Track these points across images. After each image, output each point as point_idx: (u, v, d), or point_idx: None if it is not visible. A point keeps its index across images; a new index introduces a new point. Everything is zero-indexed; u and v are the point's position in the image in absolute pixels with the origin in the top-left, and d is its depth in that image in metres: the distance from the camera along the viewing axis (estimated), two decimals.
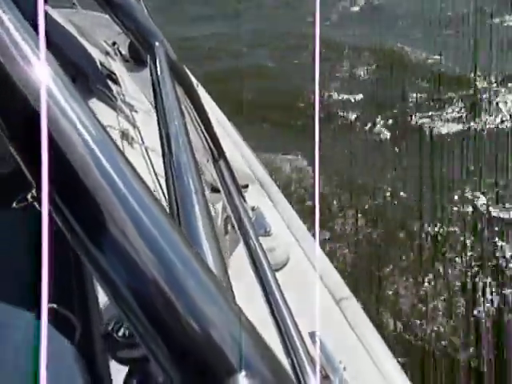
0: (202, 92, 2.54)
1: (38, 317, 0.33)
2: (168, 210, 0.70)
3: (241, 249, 1.39)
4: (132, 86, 2.57)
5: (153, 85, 1.09)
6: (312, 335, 1.12)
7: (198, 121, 1.46)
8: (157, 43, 1.22)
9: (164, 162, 0.85)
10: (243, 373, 0.40)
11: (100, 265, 0.40)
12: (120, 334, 0.96)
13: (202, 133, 1.51)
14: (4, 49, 0.40)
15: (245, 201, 1.63)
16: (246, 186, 1.95)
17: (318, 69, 0.61)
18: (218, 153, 1.56)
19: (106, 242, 0.40)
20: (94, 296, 1.43)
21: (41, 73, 0.41)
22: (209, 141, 1.53)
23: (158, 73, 1.12)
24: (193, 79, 2.80)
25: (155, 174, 1.72)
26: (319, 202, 0.66)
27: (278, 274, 1.33)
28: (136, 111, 2.29)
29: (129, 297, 0.40)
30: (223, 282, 0.57)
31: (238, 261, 1.47)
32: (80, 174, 0.40)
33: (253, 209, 1.77)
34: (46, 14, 0.43)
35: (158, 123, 0.96)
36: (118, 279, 0.40)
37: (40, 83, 0.40)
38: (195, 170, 0.80)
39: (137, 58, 2.74)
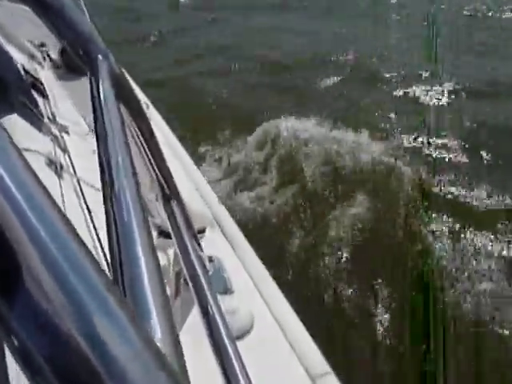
0: (154, 115, 2.20)
1: None
2: (104, 259, 0.66)
3: (196, 311, 1.14)
4: (64, 101, 2.16)
5: (93, 106, 0.94)
6: None
7: (147, 150, 1.19)
8: (100, 56, 1.04)
9: (104, 199, 0.73)
10: None
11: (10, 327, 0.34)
12: None
13: (151, 165, 1.23)
14: None
15: (201, 249, 1.34)
16: (203, 231, 1.63)
17: None
18: (169, 189, 1.28)
19: (19, 305, 0.34)
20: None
21: None
22: (158, 174, 1.25)
23: (100, 92, 0.96)
24: (143, 99, 2.43)
25: (89, 212, 1.41)
26: None
27: (240, 343, 1.12)
28: (67, 133, 1.91)
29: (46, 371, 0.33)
30: (176, 363, 0.48)
31: (193, 327, 1.21)
32: None
33: (210, 259, 1.46)
34: None
35: (98, 151, 0.84)
36: (31, 348, 0.34)
37: None
38: (140, 210, 0.69)
39: (71, 65, 2.29)
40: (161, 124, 2.20)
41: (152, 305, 0.51)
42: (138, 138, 1.17)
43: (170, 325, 0.51)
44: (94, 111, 0.93)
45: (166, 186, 1.27)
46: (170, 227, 1.26)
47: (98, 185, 0.93)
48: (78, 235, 0.38)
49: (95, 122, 0.91)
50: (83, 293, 0.35)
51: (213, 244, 1.58)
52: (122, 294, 0.52)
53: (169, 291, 1.31)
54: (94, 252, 0.41)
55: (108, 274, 0.43)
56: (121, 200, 0.70)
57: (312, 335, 1.46)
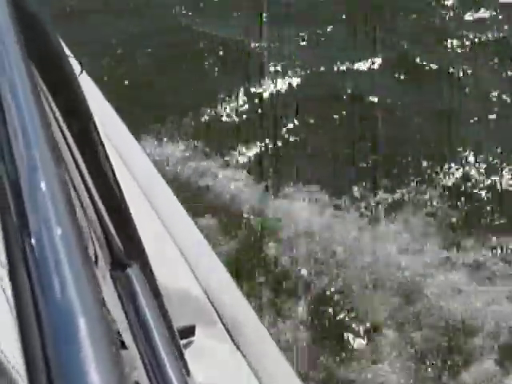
0: (94, 95, 1.44)
1: None
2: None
3: None
4: None
5: None
6: None
7: (78, 161, 0.64)
8: None
9: (9, 265, 0.42)
10: None
11: None
12: None
13: (89, 194, 0.66)
14: None
15: (187, 371, 0.70)
16: (192, 332, 0.96)
17: None
18: (125, 248, 0.68)
19: None
20: None
21: None
22: (103, 215, 0.67)
23: None
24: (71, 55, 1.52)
25: None
26: None
27: None
28: None
29: None
30: None
31: None
32: None
33: None
34: None
35: None
36: None
37: None
38: (75, 287, 0.38)
39: None
40: (107, 111, 1.45)
41: None
42: (61, 131, 0.61)
43: None
44: None
45: (118, 242, 0.66)
46: (123, 323, 0.64)
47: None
48: None
49: None
50: None
51: (211, 360, 0.91)
52: None
53: None
54: None
55: None
56: (35, 271, 0.39)
57: None
